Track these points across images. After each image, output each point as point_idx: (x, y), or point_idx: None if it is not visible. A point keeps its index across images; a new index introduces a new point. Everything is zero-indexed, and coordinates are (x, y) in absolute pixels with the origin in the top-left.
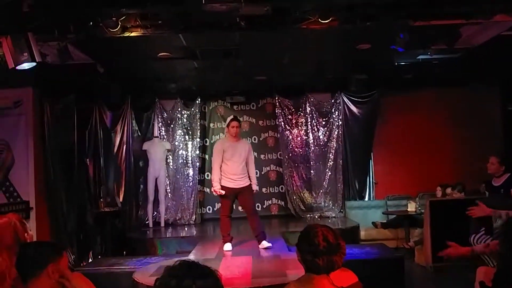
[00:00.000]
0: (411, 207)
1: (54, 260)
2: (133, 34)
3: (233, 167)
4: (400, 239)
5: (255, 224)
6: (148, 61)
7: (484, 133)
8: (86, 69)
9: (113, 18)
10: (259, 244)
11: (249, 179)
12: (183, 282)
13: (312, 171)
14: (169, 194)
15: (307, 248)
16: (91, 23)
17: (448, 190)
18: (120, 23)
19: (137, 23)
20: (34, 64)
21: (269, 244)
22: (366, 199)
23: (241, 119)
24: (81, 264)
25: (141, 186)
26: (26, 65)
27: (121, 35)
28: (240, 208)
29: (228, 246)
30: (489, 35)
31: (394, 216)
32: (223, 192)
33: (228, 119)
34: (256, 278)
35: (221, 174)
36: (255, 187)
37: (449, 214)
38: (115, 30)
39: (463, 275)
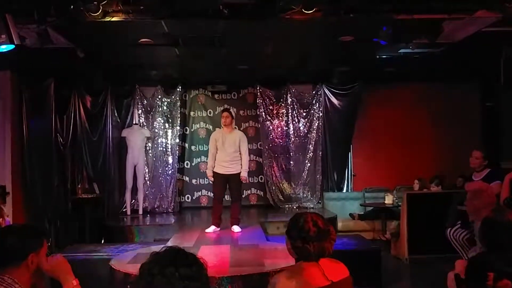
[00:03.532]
0: (388, 199)
1: (35, 250)
2: (114, 19)
3: (223, 155)
4: (377, 231)
5: (233, 211)
6: (129, 47)
7: (463, 129)
8: (66, 53)
9: (95, 2)
10: (231, 227)
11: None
12: (165, 270)
13: (291, 162)
14: (148, 182)
15: (298, 234)
16: (72, 6)
17: (427, 185)
18: (101, 8)
19: (119, 8)
20: (12, 46)
21: (239, 229)
22: (344, 190)
23: (221, 108)
24: (58, 251)
25: (120, 173)
26: (4, 48)
27: (102, 19)
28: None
29: (209, 229)
30: (470, 31)
31: (371, 208)
32: (212, 179)
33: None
34: (234, 267)
35: (214, 162)
36: (243, 174)
37: (426, 207)
38: (96, 14)
39: (438, 267)
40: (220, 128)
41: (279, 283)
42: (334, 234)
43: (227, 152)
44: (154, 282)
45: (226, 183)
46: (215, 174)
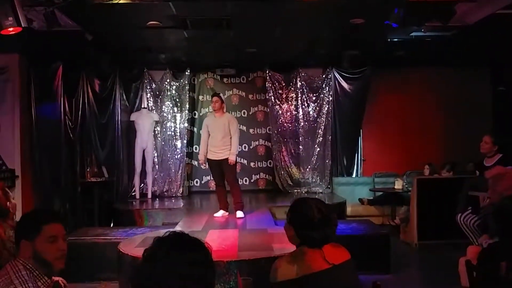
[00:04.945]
0: (398, 184)
1: (27, 237)
2: (122, 1)
3: (214, 140)
4: (386, 216)
5: (234, 195)
6: (137, 30)
7: (474, 113)
8: (74, 36)
9: None
10: (235, 212)
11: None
12: (170, 254)
13: (300, 147)
14: (157, 166)
15: (302, 221)
16: None
17: (438, 170)
18: None
19: None
20: (19, 29)
21: (242, 215)
22: (354, 175)
23: (230, 92)
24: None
25: (128, 157)
26: (11, 30)
27: (110, 1)
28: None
29: (218, 213)
30: (483, 13)
31: (381, 193)
32: (204, 164)
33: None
34: (242, 251)
35: (207, 147)
36: (230, 157)
37: (436, 192)
38: None
39: (448, 253)
40: (229, 113)
41: (281, 267)
42: (336, 220)
43: (217, 137)
44: (158, 267)
45: (220, 168)
46: (208, 160)
